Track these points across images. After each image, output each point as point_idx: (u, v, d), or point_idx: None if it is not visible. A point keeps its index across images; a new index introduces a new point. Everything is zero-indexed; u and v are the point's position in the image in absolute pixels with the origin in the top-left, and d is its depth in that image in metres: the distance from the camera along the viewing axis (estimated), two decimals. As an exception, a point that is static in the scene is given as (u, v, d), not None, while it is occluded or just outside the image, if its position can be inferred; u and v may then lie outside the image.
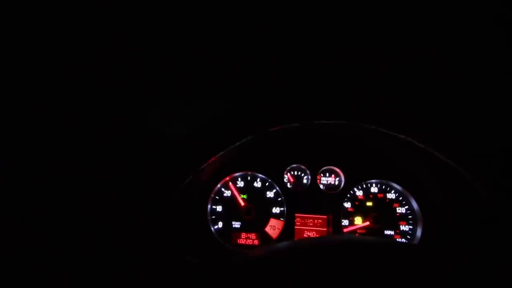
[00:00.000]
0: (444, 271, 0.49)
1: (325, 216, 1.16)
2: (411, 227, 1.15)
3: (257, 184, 1.21)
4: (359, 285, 0.45)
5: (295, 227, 1.16)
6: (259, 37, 0.85)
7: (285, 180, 1.20)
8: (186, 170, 0.89)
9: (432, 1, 0.73)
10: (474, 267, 0.50)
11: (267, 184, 1.21)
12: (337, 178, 1.22)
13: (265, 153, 1.19)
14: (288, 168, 1.21)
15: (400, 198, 1.17)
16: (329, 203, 1.17)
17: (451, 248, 1.04)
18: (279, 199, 1.19)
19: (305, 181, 1.22)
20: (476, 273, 0.49)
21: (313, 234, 1.16)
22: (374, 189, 1.19)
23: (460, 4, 0.74)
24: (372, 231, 1.16)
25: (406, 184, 1.15)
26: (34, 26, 0.79)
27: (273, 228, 1.18)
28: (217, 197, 1.20)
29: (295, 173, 1.23)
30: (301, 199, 1.18)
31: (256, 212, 1.18)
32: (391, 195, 1.18)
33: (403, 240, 1.15)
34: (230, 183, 1.20)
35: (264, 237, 1.17)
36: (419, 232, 1.13)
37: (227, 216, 1.19)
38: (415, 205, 1.14)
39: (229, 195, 1.20)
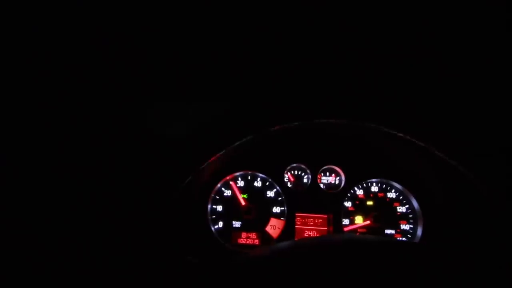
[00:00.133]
0: (445, 269, 0.49)
1: (326, 216, 1.16)
2: (411, 226, 1.15)
3: (257, 183, 1.21)
4: (361, 284, 0.45)
5: (296, 226, 1.16)
6: (259, 36, 0.85)
7: (285, 179, 1.20)
8: (186, 170, 0.89)
9: (433, 0, 0.73)
10: (474, 266, 0.50)
11: (267, 183, 1.20)
12: (338, 178, 1.22)
13: (265, 152, 1.19)
14: (289, 167, 1.21)
15: (401, 197, 1.17)
16: (329, 203, 1.17)
17: (451, 247, 1.04)
18: (280, 198, 1.19)
19: (305, 180, 1.22)
20: (477, 272, 0.49)
21: (314, 234, 1.16)
22: (374, 188, 1.19)
23: (461, 4, 0.74)
24: (373, 230, 1.16)
25: (407, 183, 1.15)
26: (35, 26, 0.79)
27: (274, 227, 1.18)
28: (217, 197, 1.20)
29: (296, 172, 1.23)
30: (302, 199, 1.18)
31: (256, 211, 1.18)
32: (391, 194, 1.18)
33: (404, 239, 1.15)
34: (232, 182, 1.20)
35: (264, 237, 1.17)
36: (419, 231, 1.13)
37: (227, 216, 1.19)
38: (415, 204, 1.14)
39: (229, 194, 1.20)
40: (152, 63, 0.90)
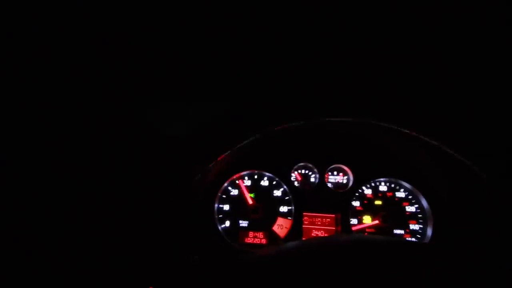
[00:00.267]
0: (456, 270, 0.48)
1: (334, 215, 1.15)
2: (421, 226, 1.13)
3: (264, 182, 1.20)
4: (369, 284, 0.45)
5: (303, 226, 1.15)
6: (265, 35, 0.84)
7: (292, 178, 1.19)
8: (194, 169, 0.89)
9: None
10: (485, 266, 0.49)
11: (274, 182, 1.20)
12: (346, 177, 1.21)
13: (272, 151, 1.18)
14: (296, 166, 1.20)
15: (410, 197, 1.15)
16: (337, 202, 1.16)
17: (462, 247, 1.02)
18: (287, 198, 1.18)
19: (312, 179, 1.21)
20: (488, 273, 0.48)
21: (322, 233, 1.15)
22: (383, 188, 1.17)
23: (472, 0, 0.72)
24: (381, 230, 1.14)
25: (416, 182, 1.14)
26: (36, 26, 0.80)
27: (281, 227, 1.17)
28: (224, 196, 1.20)
29: (303, 171, 1.22)
30: (309, 198, 1.17)
31: (263, 211, 1.17)
32: (400, 194, 1.16)
33: (413, 239, 1.13)
34: (240, 181, 1.20)
35: (271, 236, 1.16)
36: (429, 231, 1.11)
37: (234, 215, 1.18)
38: (425, 203, 1.13)
39: (236, 194, 1.20)
40: (161, 64, 0.90)
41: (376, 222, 1.14)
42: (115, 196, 0.88)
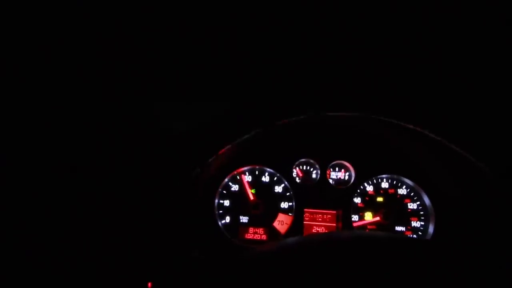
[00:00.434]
0: (457, 267, 0.47)
1: (335, 212, 1.15)
2: (422, 223, 1.12)
3: (265, 178, 1.19)
4: (370, 281, 0.44)
5: (304, 222, 1.15)
6: (268, 28, 0.83)
7: (293, 174, 1.18)
8: (193, 163, 0.88)
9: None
10: (488, 264, 0.49)
11: (275, 178, 1.19)
12: (347, 173, 1.20)
13: (273, 147, 1.17)
14: (297, 162, 1.19)
15: (412, 194, 1.15)
16: (338, 198, 1.15)
17: (464, 244, 1.02)
18: (288, 193, 1.18)
19: (314, 175, 1.20)
20: (490, 270, 0.47)
21: (322, 230, 1.14)
22: (384, 184, 1.16)
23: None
24: (383, 227, 1.13)
25: (418, 179, 1.13)
26: (37, 26, 0.79)
27: (281, 223, 1.16)
28: (224, 192, 1.19)
29: (304, 167, 1.21)
30: (310, 194, 1.16)
31: (264, 206, 1.17)
32: (402, 191, 1.15)
33: (415, 236, 1.12)
34: (242, 176, 1.19)
35: (272, 232, 1.16)
36: (431, 229, 1.10)
37: (234, 211, 1.18)
38: (427, 200, 1.12)
39: (236, 189, 1.19)
40: (160, 60, 0.89)
41: (377, 219, 1.14)
42: (113, 191, 0.87)
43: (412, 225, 1.13)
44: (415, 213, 1.14)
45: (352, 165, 1.17)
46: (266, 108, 0.89)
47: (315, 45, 0.85)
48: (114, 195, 0.87)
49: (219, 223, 1.16)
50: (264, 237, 1.16)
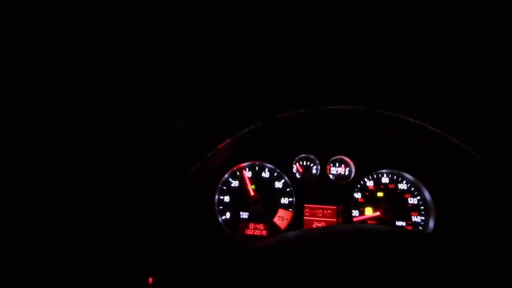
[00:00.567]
0: (457, 261, 0.47)
1: (335, 207, 1.14)
2: (423, 218, 1.12)
3: (265, 174, 1.19)
4: (370, 275, 0.44)
5: (304, 217, 1.15)
6: (269, 19, 0.83)
7: (293, 170, 1.18)
8: (193, 157, 0.88)
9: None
10: (487, 258, 0.49)
11: (275, 174, 1.19)
12: (347, 168, 1.20)
13: (273, 143, 1.17)
14: (297, 158, 1.19)
15: (412, 189, 1.14)
16: (338, 194, 1.15)
17: (465, 239, 1.02)
18: (288, 189, 1.18)
19: (314, 171, 1.20)
20: (489, 264, 0.47)
21: (323, 225, 1.14)
22: (385, 179, 1.16)
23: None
24: (383, 222, 1.13)
25: (418, 174, 1.12)
26: (37, 26, 0.79)
27: (282, 218, 1.16)
28: (224, 188, 1.19)
29: (304, 163, 1.21)
30: (310, 190, 1.16)
31: (264, 202, 1.17)
32: (402, 186, 1.15)
33: (415, 231, 1.12)
34: (243, 171, 1.19)
35: (272, 228, 1.16)
36: (431, 223, 1.10)
37: (234, 207, 1.18)
38: (427, 195, 1.12)
39: (236, 185, 1.19)
40: (159, 56, 0.89)
41: (378, 214, 1.14)
42: (113, 188, 0.87)
43: (413, 220, 1.13)
44: (415, 208, 1.13)
45: (352, 160, 1.17)
46: (266, 101, 0.89)
47: (315, 39, 0.85)
48: (113, 192, 0.87)
49: (219, 219, 1.16)
50: (264, 232, 1.16)
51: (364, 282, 0.43)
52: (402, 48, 0.83)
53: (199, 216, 1.15)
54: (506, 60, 0.78)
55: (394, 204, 1.14)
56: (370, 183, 1.17)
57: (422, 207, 1.13)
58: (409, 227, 1.13)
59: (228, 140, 0.88)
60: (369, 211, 1.15)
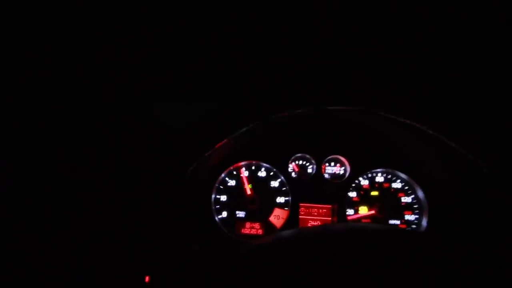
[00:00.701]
0: (449, 259, 0.48)
1: (330, 206, 1.16)
2: (417, 216, 1.14)
3: (262, 173, 1.20)
4: (364, 273, 0.45)
5: (300, 216, 1.16)
6: (266, 20, 0.83)
7: (289, 169, 1.19)
8: (191, 157, 0.89)
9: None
10: (479, 257, 0.50)
11: (271, 173, 1.20)
12: (342, 167, 1.21)
13: (269, 142, 1.18)
14: (293, 157, 1.20)
15: (406, 188, 1.16)
16: (334, 193, 1.17)
17: (457, 237, 1.03)
18: (284, 188, 1.19)
19: (310, 170, 1.21)
20: (482, 263, 0.49)
21: (318, 224, 1.15)
22: (379, 179, 1.18)
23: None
24: (377, 220, 1.15)
25: (412, 173, 1.14)
26: (36, 26, 0.79)
27: (278, 217, 1.17)
28: (221, 187, 1.20)
29: (300, 162, 1.22)
30: (306, 189, 1.18)
31: (260, 201, 1.18)
32: (396, 185, 1.17)
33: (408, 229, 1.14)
34: (240, 170, 1.20)
35: (268, 227, 1.17)
36: (424, 222, 1.12)
37: (231, 206, 1.19)
38: (421, 194, 1.13)
39: (233, 184, 1.20)
40: (156, 55, 0.89)
41: (372, 212, 1.15)
42: (110, 187, 0.88)
43: (406, 219, 1.15)
44: (409, 207, 1.15)
45: (348, 160, 1.18)
46: (264, 101, 0.90)
47: (314, 39, 0.86)
48: (111, 192, 0.87)
49: (216, 218, 1.17)
50: (260, 231, 1.17)
51: (358, 280, 0.44)
52: (397, 49, 0.84)
53: (196, 215, 1.15)
54: (496, 63, 0.79)
55: (388, 202, 1.15)
56: (365, 182, 1.18)
57: (415, 206, 1.15)
58: (403, 226, 1.15)
59: (226, 140, 0.89)
60: (363, 210, 1.16)
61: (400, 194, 1.16)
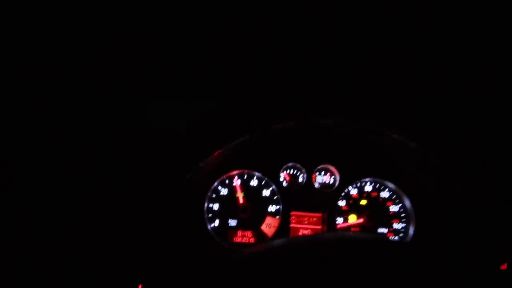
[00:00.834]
0: (436, 269, 0.50)
1: (320, 214, 1.18)
2: (404, 225, 1.17)
3: (254, 182, 1.22)
4: (353, 281, 0.47)
5: (291, 225, 1.18)
6: (257, 33, 0.85)
7: (281, 178, 1.21)
8: (184, 168, 0.90)
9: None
10: (465, 265, 0.52)
11: (263, 182, 1.21)
12: (332, 177, 1.23)
13: (261, 151, 1.20)
14: (284, 166, 1.22)
15: (394, 197, 1.19)
16: (324, 202, 1.19)
17: (443, 246, 1.06)
18: (275, 197, 1.20)
19: (300, 179, 1.23)
20: (468, 272, 0.50)
21: (308, 232, 1.17)
22: (368, 188, 1.21)
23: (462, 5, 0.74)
24: (366, 229, 1.18)
25: (400, 182, 1.17)
26: (35, 26, 0.80)
27: (269, 226, 1.19)
28: (213, 196, 1.21)
29: (291, 171, 1.24)
30: (297, 198, 1.20)
31: (252, 210, 1.19)
32: (384, 194, 1.20)
33: (396, 238, 1.17)
34: (233, 179, 1.21)
35: (259, 235, 1.18)
36: (411, 230, 1.15)
37: (223, 215, 1.20)
38: (408, 203, 1.16)
39: (225, 193, 1.21)
40: (151, 62, 0.91)
41: (361, 221, 1.18)
42: (102, 194, 0.88)
43: (394, 227, 1.18)
44: (396, 215, 1.18)
45: (337, 169, 1.21)
46: (259, 113, 0.92)
47: (305, 52, 0.88)
48: (102, 198, 0.88)
49: (208, 227, 1.18)
50: (252, 240, 1.18)
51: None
52: (386, 62, 0.87)
53: (188, 224, 1.16)
54: (490, 80, 0.83)
55: (376, 211, 1.18)
56: (354, 191, 1.21)
57: (403, 215, 1.18)
58: (391, 234, 1.17)
59: (220, 150, 0.90)
60: (353, 219, 1.19)
61: (388, 203, 1.19)
